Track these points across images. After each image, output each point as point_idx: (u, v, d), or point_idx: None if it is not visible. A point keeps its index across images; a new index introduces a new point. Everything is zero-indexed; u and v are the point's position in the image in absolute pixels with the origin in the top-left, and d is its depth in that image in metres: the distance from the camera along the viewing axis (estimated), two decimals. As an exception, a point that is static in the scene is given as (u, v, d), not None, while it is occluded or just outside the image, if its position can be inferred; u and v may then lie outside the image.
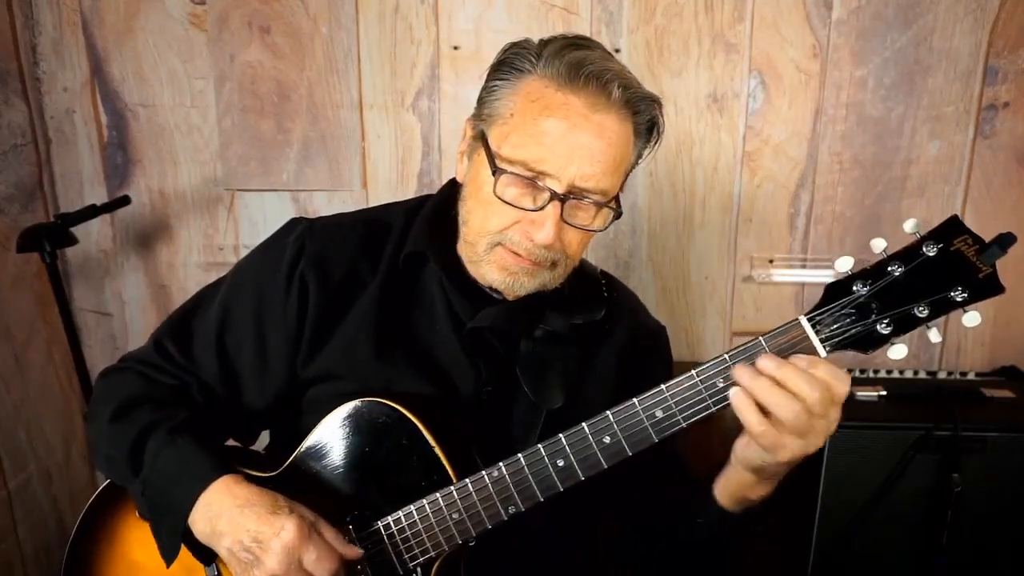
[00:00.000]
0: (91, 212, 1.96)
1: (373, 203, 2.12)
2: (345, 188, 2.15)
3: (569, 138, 1.05)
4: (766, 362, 0.96)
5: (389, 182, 2.15)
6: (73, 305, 2.21)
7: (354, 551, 1.10)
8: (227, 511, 1.07)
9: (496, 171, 1.08)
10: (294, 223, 1.28)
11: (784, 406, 0.95)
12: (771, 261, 2.15)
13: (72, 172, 2.16)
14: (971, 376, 2.07)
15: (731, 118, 2.05)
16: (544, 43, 1.11)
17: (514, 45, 1.13)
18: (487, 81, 1.14)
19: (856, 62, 2.00)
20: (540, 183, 1.07)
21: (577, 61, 1.05)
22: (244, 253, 2.17)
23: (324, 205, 2.17)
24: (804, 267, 2.14)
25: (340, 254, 1.23)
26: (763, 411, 0.96)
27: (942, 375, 2.07)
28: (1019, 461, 1.76)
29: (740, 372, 0.97)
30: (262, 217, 2.18)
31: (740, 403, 0.97)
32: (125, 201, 2.05)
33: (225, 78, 2.08)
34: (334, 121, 2.10)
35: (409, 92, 2.08)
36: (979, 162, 2.05)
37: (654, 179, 2.11)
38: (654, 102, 1.12)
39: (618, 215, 1.13)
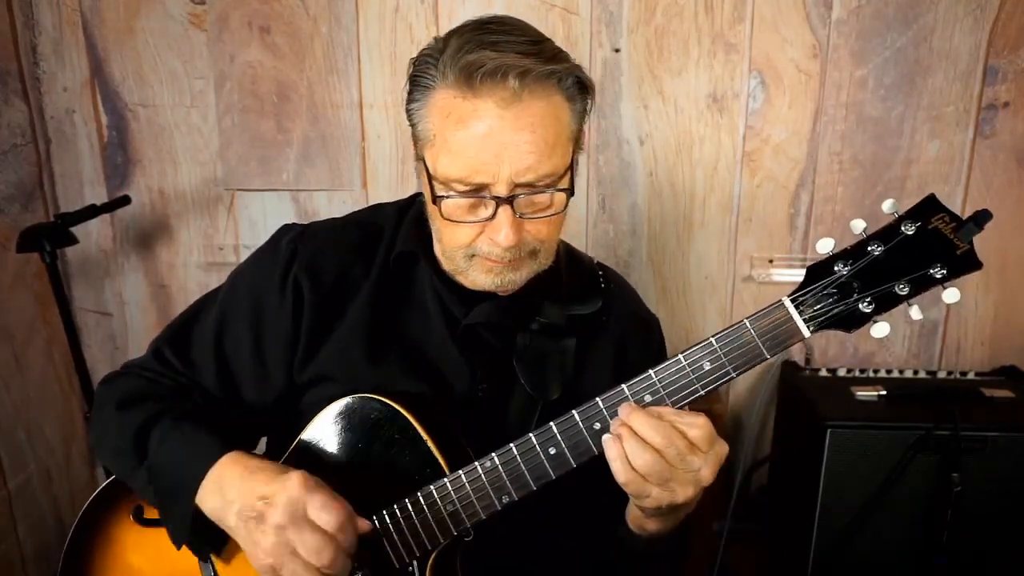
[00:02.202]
0: (91, 212, 1.96)
1: (373, 203, 2.12)
2: (345, 188, 2.15)
3: (491, 142, 1.02)
4: (622, 408, 0.99)
5: (389, 182, 2.15)
6: (73, 305, 2.21)
7: (364, 522, 1.09)
8: (236, 478, 1.07)
9: (436, 199, 1.08)
10: (286, 229, 1.28)
11: (636, 454, 0.96)
12: (771, 261, 2.15)
13: (72, 172, 2.16)
14: (971, 376, 2.07)
15: (731, 118, 2.05)
16: (444, 45, 1.07)
17: (417, 59, 1.10)
18: (406, 103, 1.12)
19: (856, 62, 2.00)
20: (483, 194, 1.06)
21: (468, 65, 1.01)
22: (244, 253, 2.19)
23: (324, 205, 2.17)
24: (804, 267, 2.13)
25: (333, 258, 1.23)
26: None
27: (942, 375, 2.07)
28: (1019, 461, 1.76)
29: (613, 422, 1.00)
30: (262, 217, 2.18)
31: (608, 450, 0.99)
32: (125, 201, 2.05)
33: (225, 78, 2.08)
34: (334, 121, 2.10)
35: (409, 92, 2.08)
36: (979, 162, 2.05)
37: (654, 179, 2.11)
38: (564, 67, 1.06)
39: (570, 194, 1.10)
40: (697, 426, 0.98)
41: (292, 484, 1.02)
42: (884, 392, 1.90)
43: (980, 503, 1.77)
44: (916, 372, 2.08)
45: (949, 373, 2.08)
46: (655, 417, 0.98)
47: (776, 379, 2.17)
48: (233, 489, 1.07)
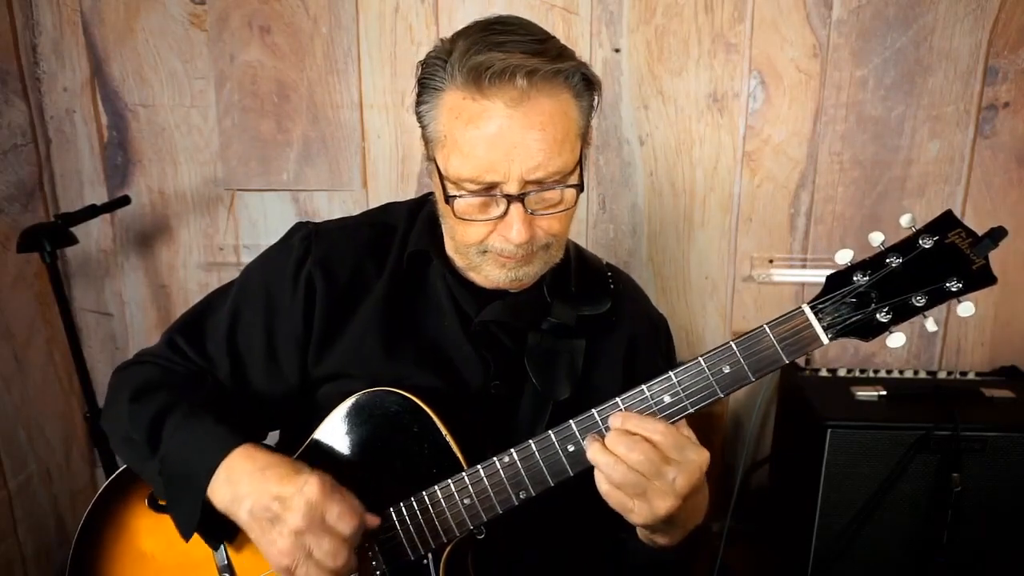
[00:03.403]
0: (91, 212, 1.96)
1: (373, 203, 2.12)
2: (345, 188, 2.15)
3: (501, 141, 1.04)
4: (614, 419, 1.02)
5: (389, 182, 2.15)
6: (73, 305, 2.21)
7: (374, 518, 1.11)
8: (248, 474, 1.08)
9: (448, 198, 1.10)
10: (299, 226, 1.30)
11: (607, 463, 0.99)
12: (771, 261, 2.15)
13: (72, 172, 2.16)
14: (971, 376, 2.07)
15: (731, 118, 2.05)
16: (452, 46, 1.08)
17: (424, 62, 1.12)
18: (415, 105, 1.14)
19: (856, 62, 2.00)
20: (494, 192, 1.08)
21: (475, 67, 1.03)
22: (244, 253, 2.19)
23: (324, 205, 2.17)
24: (804, 267, 2.14)
25: (346, 256, 1.25)
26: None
27: (942, 375, 2.07)
28: (1019, 461, 1.77)
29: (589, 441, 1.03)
30: (262, 217, 2.18)
31: (594, 462, 1.02)
32: (125, 201, 2.05)
33: (225, 78, 2.08)
34: (334, 121, 2.10)
35: (409, 92, 2.06)
36: (979, 162, 2.05)
37: (654, 179, 2.11)
38: (570, 65, 1.08)
39: (580, 190, 1.12)
40: (659, 432, 0.99)
41: (310, 489, 1.04)
42: (884, 392, 1.90)
43: (980, 503, 1.77)
44: (916, 372, 2.08)
45: (949, 373, 2.08)
46: (627, 433, 1.00)
47: (776, 379, 2.17)
48: (244, 484, 1.08)
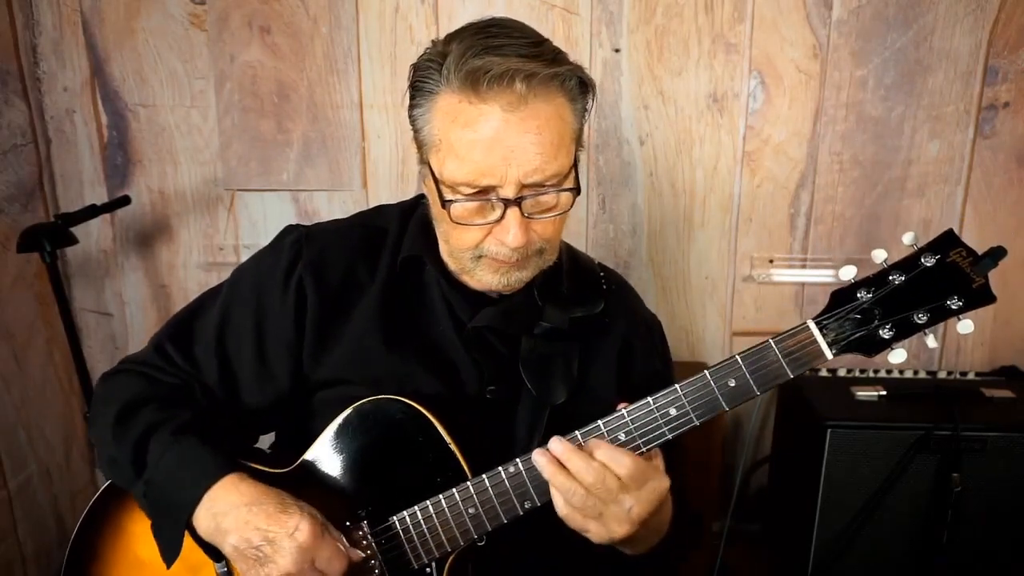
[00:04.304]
0: (91, 212, 1.96)
1: (373, 203, 2.12)
2: (345, 188, 2.15)
3: (498, 145, 1.04)
4: (555, 445, 1.04)
5: (389, 182, 2.15)
6: (73, 305, 2.21)
7: (357, 554, 1.11)
8: (233, 509, 1.07)
9: (444, 203, 1.09)
10: (290, 229, 1.29)
11: (567, 489, 1.02)
12: (771, 261, 2.15)
13: (72, 172, 2.16)
14: (971, 376, 2.07)
15: (731, 118, 2.05)
16: (446, 49, 1.07)
17: (418, 65, 1.11)
18: (409, 109, 1.13)
19: (856, 62, 2.00)
20: (490, 196, 1.07)
21: (473, 71, 1.02)
22: (244, 253, 2.19)
23: (324, 205, 2.17)
24: (804, 267, 2.14)
25: (337, 259, 1.24)
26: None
27: (942, 375, 2.07)
28: (1019, 461, 1.77)
29: (538, 457, 1.05)
30: (262, 217, 2.19)
31: (551, 482, 1.04)
32: (125, 201, 2.05)
33: (225, 78, 2.08)
34: (334, 121, 2.10)
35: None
36: (979, 162, 2.05)
37: (654, 179, 2.11)
38: (567, 69, 1.08)
39: (576, 193, 1.12)
40: (624, 465, 1.02)
41: (301, 534, 1.04)
42: (884, 392, 1.90)
43: (980, 503, 1.77)
44: (916, 372, 2.08)
45: (949, 373, 2.08)
46: (588, 458, 1.02)
47: (776, 379, 2.17)
48: (228, 518, 1.07)
